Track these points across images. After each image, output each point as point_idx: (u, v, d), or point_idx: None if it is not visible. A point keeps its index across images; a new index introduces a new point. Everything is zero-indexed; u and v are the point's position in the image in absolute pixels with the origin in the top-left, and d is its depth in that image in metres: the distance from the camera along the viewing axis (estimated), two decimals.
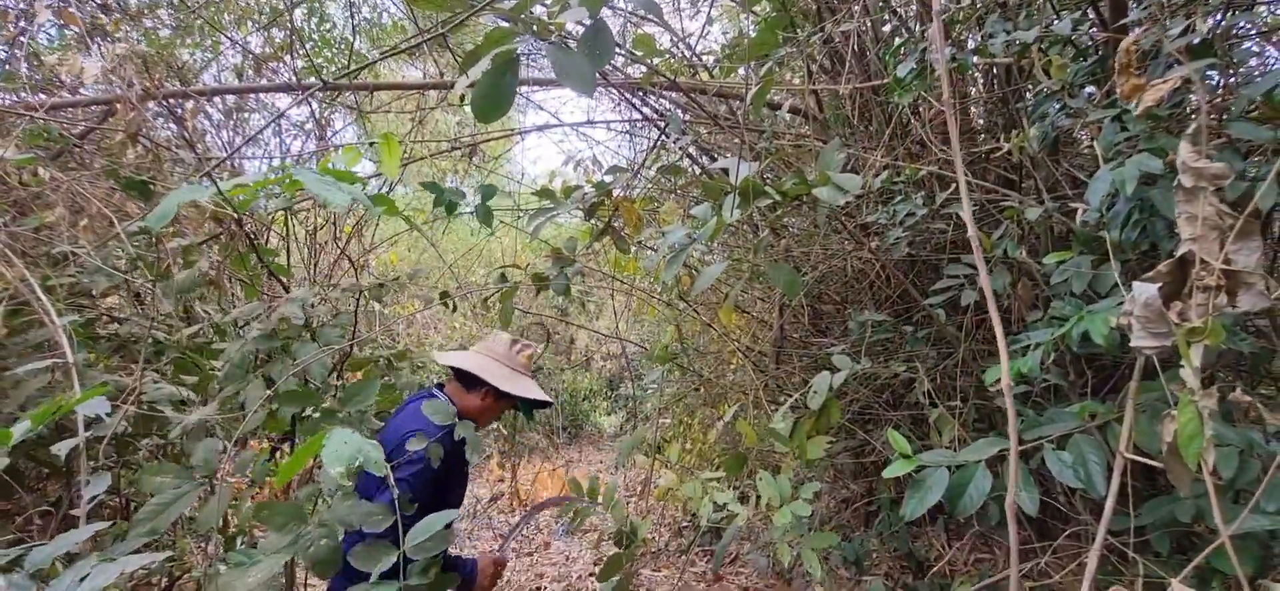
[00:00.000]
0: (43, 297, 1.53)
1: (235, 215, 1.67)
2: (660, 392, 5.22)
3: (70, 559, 1.20)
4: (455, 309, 2.18)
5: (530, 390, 1.87)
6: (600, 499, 1.86)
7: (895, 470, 1.56)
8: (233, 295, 2.60)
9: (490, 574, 1.86)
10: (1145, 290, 1.06)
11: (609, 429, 9.61)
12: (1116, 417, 1.68)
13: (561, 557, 4.33)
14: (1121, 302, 1.71)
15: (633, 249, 2.70)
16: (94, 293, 1.93)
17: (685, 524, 4.46)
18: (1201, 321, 0.98)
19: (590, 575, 3.98)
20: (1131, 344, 1.09)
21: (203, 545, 2.43)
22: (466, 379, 1.86)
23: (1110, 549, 1.77)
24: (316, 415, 1.59)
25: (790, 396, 2.04)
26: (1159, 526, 1.64)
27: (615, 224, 2.48)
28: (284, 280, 2.35)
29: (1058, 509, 2.09)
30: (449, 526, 1.75)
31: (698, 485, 1.82)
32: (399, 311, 8.22)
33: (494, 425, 2.10)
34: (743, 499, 1.95)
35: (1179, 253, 1.03)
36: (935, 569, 2.69)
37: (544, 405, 1.94)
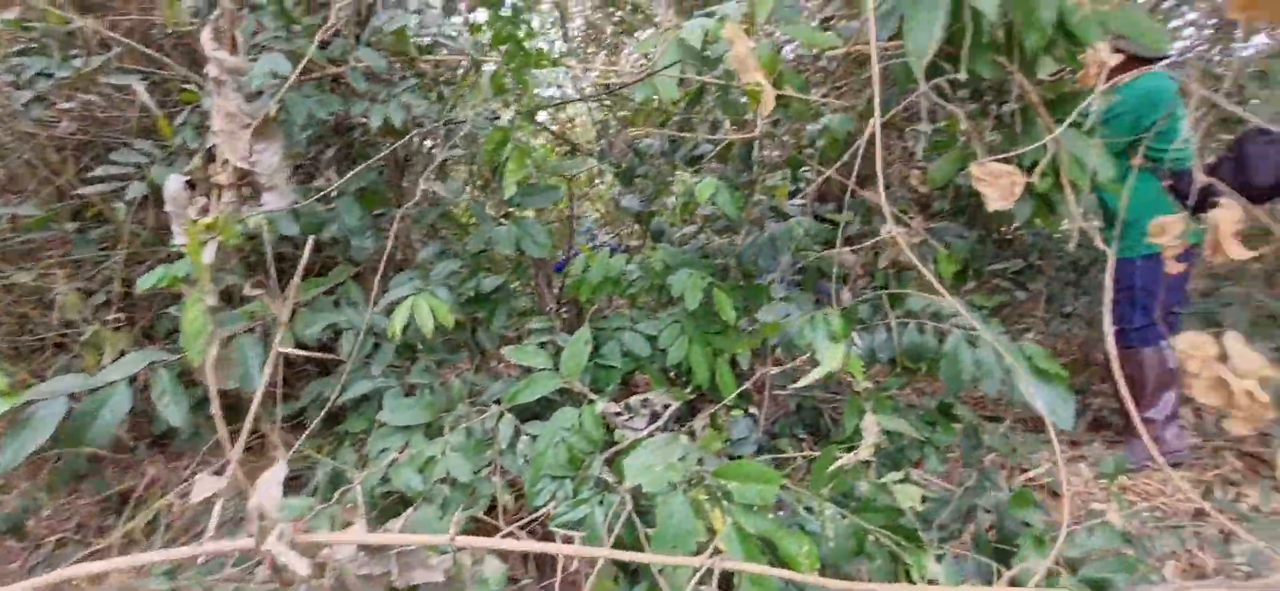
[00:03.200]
0: None
1: None
2: None
3: None
4: None
5: None
6: None
7: None
8: None
9: None
10: (175, 183, 1.04)
11: None
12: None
13: None
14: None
15: None
16: None
17: None
18: (217, 217, 1.02)
19: None
20: (174, 241, 1.07)
21: None
22: None
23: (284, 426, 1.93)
24: None
25: None
26: (317, 404, 1.87)
27: None
28: None
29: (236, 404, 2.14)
30: None
31: None
32: None
33: None
34: None
35: (207, 146, 1.04)
36: (141, 495, 2.41)
37: None
